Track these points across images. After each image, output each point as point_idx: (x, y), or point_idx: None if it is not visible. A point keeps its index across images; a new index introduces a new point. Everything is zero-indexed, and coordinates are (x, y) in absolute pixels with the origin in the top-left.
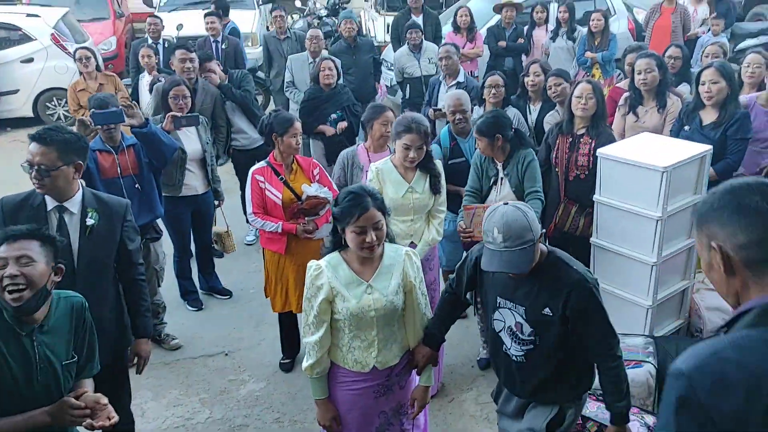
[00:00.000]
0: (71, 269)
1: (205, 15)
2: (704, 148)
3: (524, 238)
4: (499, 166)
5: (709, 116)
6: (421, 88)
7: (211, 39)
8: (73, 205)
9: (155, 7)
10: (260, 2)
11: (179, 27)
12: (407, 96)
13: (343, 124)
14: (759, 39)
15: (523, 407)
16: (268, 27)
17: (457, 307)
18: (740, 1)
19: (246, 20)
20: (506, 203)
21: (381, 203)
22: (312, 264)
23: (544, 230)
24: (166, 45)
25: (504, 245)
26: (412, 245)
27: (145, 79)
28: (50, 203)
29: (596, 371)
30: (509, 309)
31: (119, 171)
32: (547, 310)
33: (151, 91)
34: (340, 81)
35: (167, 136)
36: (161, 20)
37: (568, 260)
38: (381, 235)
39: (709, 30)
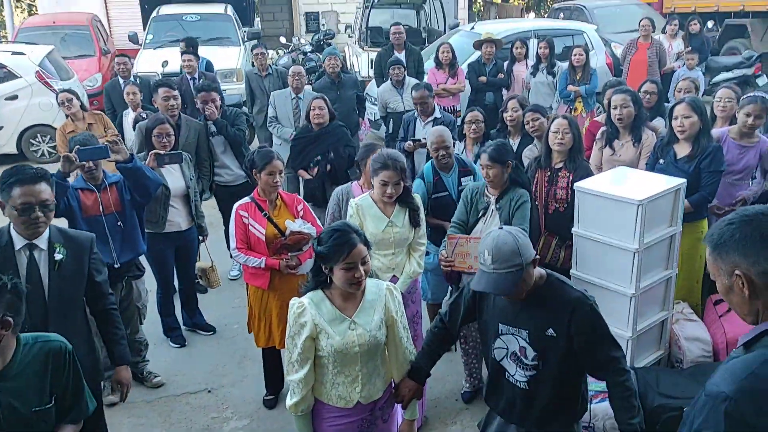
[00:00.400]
0: (43, 305)
1: (182, 53)
2: (678, 181)
3: (512, 261)
4: (492, 199)
5: (682, 150)
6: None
7: (188, 76)
8: (42, 241)
9: (141, 44)
10: (245, 39)
11: (164, 64)
12: (390, 130)
13: (314, 171)
14: (734, 72)
15: None
16: (253, 63)
17: (446, 342)
18: (715, 35)
19: (230, 57)
20: (501, 227)
21: (364, 238)
22: (295, 301)
23: (537, 256)
24: (138, 81)
25: (493, 267)
26: (394, 279)
27: (130, 116)
28: (18, 242)
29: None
30: (512, 334)
31: (101, 209)
32: (550, 331)
33: (134, 128)
34: (335, 120)
35: (152, 171)
36: (130, 58)
37: (566, 281)
38: (368, 269)
39: (684, 64)
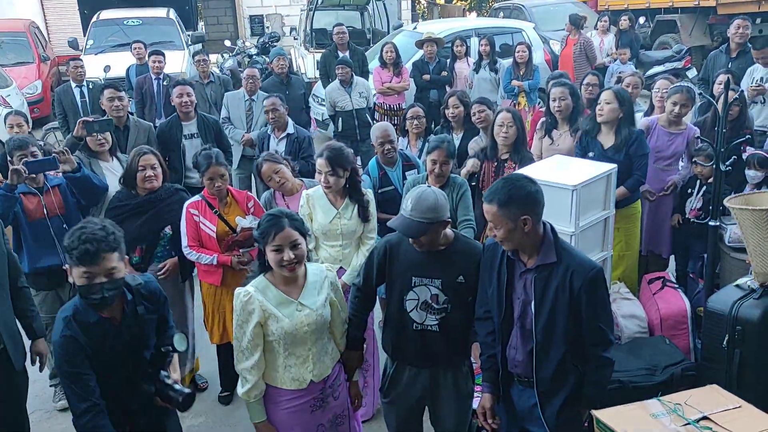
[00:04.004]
0: None
1: (150, 54)
2: (610, 166)
3: (426, 214)
4: None
5: (607, 140)
6: (353, 121)
7: (153, 77)
8: None
9: (81, 50)
10: (189, 43)
11: (107, 69)
12: (340, 129)
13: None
14: (665, 66)
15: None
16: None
17: (369, 304)
18: (647, 31)
19: (176, 61)
20: (429, 186)
21: (299, 224)
22: (240, 291)
23: (450, 219)
24: (91, 86)
25: (410, 213)
26: (342, 271)
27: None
28: None
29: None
30: (425, 285)
31: (45, 212)
32: (461, 278)
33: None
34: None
35: (98, 178)
36: (83, 63)
37: (471, 239)
38: (299, 254)
39: (616, 60)
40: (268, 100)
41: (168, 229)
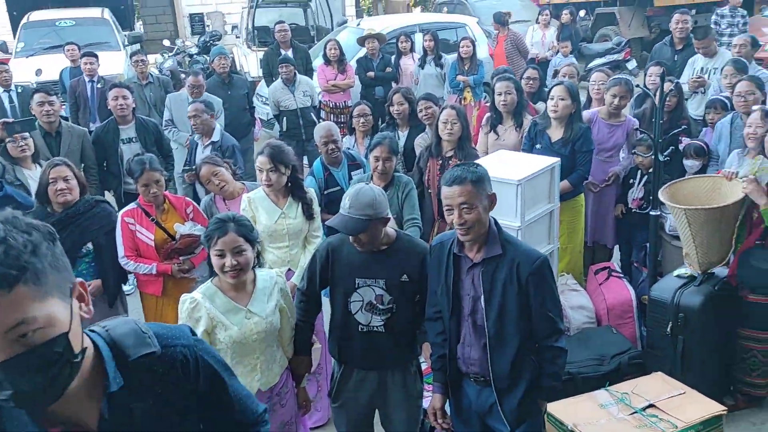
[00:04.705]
0: None
1: (83, 55)
2: (553, 160)
3: (364, 211)
4: None
5: (556, 134)
6: (298, 121)
7: (87, 79)
8: None
9: (11, 54)
10: (125, 43)
11: (38, 72)
12: (285, 128)
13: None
14: (606, 58)
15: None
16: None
17: (314, 308)
18: (588, 24)
19: (113, 62)
20: (368, 183)
21: (246, 230)
22: (186, 297)
23: (390, 216)
24: (20, 91)
25: (348, 211)
26: (290, 272)
27: None
28: None
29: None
30: (369, 286)
31: None
32: (404, 277)
33: None
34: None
35: (22, 195)
36: (8, 67)
37: (414, 238)
38: (243, 260)
39: (558, 52)
40: (191, 106)
41: (90, 245)
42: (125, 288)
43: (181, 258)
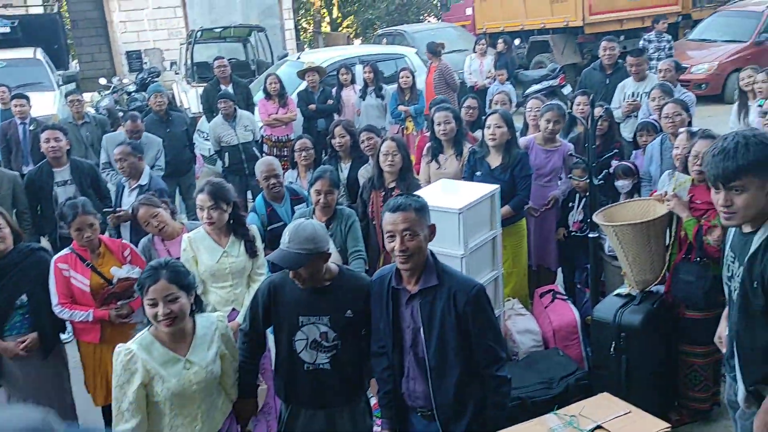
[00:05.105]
0: None
1: (13, 97)
2: (492, 187)
3: (304, 245)
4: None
5: (495, 160)
6: (240, 156)
7: (18, 121)
8: None
9: None
10: (60, 83)
11: None
12: (227, 164)
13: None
14: (542, 84)
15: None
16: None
17: (258, 348)
18: (523, 51)
19: (45, 103)
20: (309, 217)
21: (179, 276)
22: (121, 348)
23: (331, 252)
24: None
25: (287, 246)
26: (234, 312)
27: None
28: None
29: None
30: (313, 323)
31: None
32: (349, 313)
33: None
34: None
35: None
36: None
37: (357, 272)
38: (176, 308)
39: (495, 80)
40: (117, 149)
41: (24, 297)
42: (63, 336)
43: (119, 302)
